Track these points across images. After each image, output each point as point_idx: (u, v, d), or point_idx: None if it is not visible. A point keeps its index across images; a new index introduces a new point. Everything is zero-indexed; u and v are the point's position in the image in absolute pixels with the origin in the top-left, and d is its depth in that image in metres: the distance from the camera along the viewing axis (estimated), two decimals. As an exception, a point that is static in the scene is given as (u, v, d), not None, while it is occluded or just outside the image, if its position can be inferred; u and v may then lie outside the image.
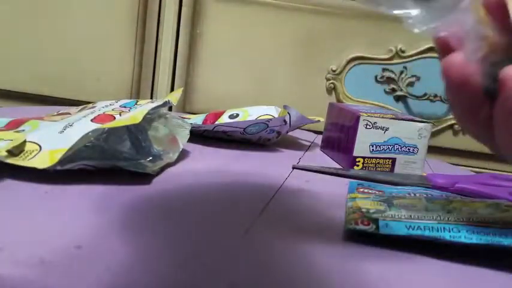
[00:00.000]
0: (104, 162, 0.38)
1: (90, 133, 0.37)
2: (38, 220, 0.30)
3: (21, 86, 0.90)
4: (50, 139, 0.38)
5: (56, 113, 0.48)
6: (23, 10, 0.88)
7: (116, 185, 0.37)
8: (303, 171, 0.50)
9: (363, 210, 0.34)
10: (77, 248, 0.26)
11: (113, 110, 0.44)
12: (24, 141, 0.37)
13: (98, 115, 0.42)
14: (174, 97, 0.48)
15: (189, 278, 0.25)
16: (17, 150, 0.37)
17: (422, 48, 0.92)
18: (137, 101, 0.48)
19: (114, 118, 0.42)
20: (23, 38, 0.89)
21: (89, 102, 0.51)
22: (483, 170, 0.95)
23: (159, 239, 0.29)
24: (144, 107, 0.43)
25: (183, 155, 0.48)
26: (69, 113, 0.47)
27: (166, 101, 0.45)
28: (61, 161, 0.36)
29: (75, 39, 0.89)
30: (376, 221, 0.32)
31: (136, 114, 0.39)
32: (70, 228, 0.29)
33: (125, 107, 0.46)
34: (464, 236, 0.31)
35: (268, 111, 0.60)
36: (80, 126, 0.39)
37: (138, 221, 0.32)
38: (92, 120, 0.41)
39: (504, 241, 0.30)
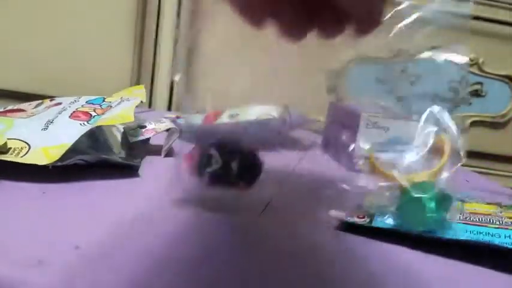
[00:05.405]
0: (98, 157, 0.39)
1: (94, 129, 0.39)
2: (36, 220, 0.29)
3: (20, 86, 0.90)
4: (36, 136, 0.38)
5: (2, 109, 0.46)
6: (22, 10, 0.88)
7: (110, 181, 0.38)
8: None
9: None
10: (75, 248, 0.26)
11: (82, 106, 0.44)
12: (6, 142, 0.37)
13: (74, 112, 0.42)
14: (137, 94, 0.48)
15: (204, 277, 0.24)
16: (3, 149, 0.37)
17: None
18: (105, 98, 0.47)
19: (91, 115, 0.42)
20: (22, 38, 0.88)
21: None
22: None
23: (162, 239, 0.29)
24: (125, 104, 0.43)
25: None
26: (23, 110, 0.46)
27: (137, 98, 0.45)
28: (61, 158, 0.36)
29: (74, 40, 0.89)
30: (372, 215, 0.33)
31: (126, 112, 0.40)
32: (69, 229, 0.28)
33: (92, 103, 0.45)
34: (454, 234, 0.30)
35: (268, 111, 0.59)
36: (61, 123, 0.40)
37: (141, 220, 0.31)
38: (69, 117, 0.41)
39: (496, 240, 0.29)
